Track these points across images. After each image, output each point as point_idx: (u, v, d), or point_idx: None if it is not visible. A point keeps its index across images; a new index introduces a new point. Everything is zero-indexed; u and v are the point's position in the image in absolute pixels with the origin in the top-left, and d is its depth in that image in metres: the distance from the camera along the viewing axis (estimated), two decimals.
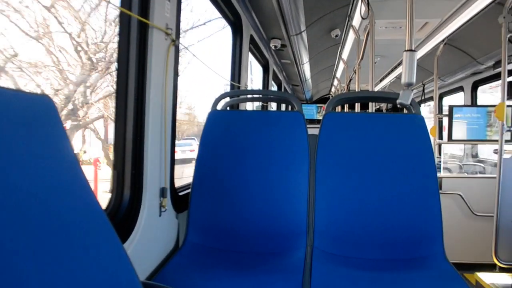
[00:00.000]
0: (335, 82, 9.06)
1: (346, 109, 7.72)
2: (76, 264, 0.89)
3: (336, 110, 2.12)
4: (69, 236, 0.90)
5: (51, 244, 0.83)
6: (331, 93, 11.43)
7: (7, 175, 0.77)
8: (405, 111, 2.10)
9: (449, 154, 6.27)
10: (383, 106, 10.36)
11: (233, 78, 3.53)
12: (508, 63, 2.85)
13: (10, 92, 0.85)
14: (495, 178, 2.84)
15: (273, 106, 7.57)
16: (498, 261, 2.63)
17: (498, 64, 4.36)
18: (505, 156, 2.67)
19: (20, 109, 0.87)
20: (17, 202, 0.78)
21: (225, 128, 2.11)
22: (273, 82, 5.96)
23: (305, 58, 5.65)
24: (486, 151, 5.31)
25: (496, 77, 4.73)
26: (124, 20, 1.65)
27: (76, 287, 0.87)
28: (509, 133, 2.79)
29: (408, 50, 1.88)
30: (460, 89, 5.68)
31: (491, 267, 2.83)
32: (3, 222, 0.72)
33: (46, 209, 0.86)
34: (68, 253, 0.88)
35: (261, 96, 3.79)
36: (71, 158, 0.98)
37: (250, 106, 5.61)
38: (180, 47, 2.01)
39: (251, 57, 4.43)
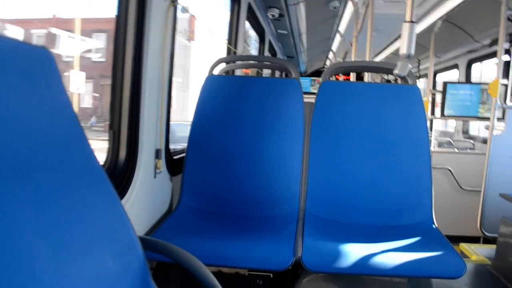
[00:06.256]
0: (330, 56, 9.01)
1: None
2: (74, 216, 0.90)
3: (332, 80, 2.13)
4: (68, 189, 0.91)
5: (49, 197, 0.84)
6: (325, 66, 11.38)
7: (4, 126, 0.77)
8: (399, 83, 2.12)
9: (440, 130, 6.33)
10: (378, 81, 10.36)
11: (229, 45, 3.50)
12: (505, 42, 2.85)
13: (9, 41, 0.84)
14: (483, 154, 2.89)
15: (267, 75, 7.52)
16: (483, 232, 2.71)
17: (494, 42, 4.36)
18: (496, 132, 2.71)
19: (19, 59, 0.85)
20: (14, 155, 0.77)
21: (221, 93, 2.11)
22: (268, 53, 5.90)
23: (301, 29, 5.60)
24: (476, 128, 5.37)
25: (492, 55, 4.73)
26: None
27: (75, 238, 0.89)
28: (501, 110, 2.82)
29: (408, 21, 1.87)
30: (455, 66, 5.69)
31: (475, 240, 2.92)
32: (1, 174, 0.72)
33: (44, 162, 0.86)
34: (66, 205, 0.89)
35: (258, 62, 3.77)
36: (69, 112, 0.98)
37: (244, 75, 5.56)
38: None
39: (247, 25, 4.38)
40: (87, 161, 1.01)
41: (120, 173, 1.60)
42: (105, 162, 1.59)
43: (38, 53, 0.92)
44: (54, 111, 0.94)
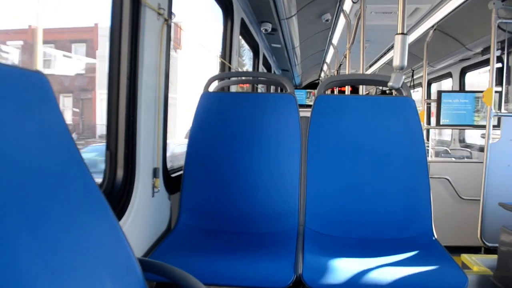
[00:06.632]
0: (325, 68, 9.06)
1: (336, 94, 7.73)
2: (73, 240, 0.90)
3: (326, 94, 2.14)
4: (66, 212, 0.91)
5: (47, 220, 0.83)
6: (320, 78, 11.44)
7: (1, 153, 0.77)
8: (394, 94, 2.12)
9: (437, 139, 6.34)
10: (373, 92, 10.41)
11: (223, 59, 3.52)
12: (497, 49, 2.87)
13: (3, 67, 0.84)
14: (481, 163, 2.89)
15: (263, 90, 7.55)
16: (484, 242, 2.70)
17: (486, 50, 4.40)
18: (492, 140, 2.72)
19: (14, 85, 0.86)
20: (11, 181, 0.77)
21: (217, 110, 2.12)
22: (263, 67, 5.93)
23: (295, 42, 5.64)
24: (473, 136, 5.38)
25: (484, 63, 4.77)
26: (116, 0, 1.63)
27: (74, 263, 0.88)
28: (496, 118, 2.83)
29: (400, 34, 1.88)
30: (449, 75, 5.72)
31: (476, 250, 2.90)
32: None
33: (42, 187, 0.85)
34: (65, 230, 0.88)
35: (253, 78, 3.79)
36: (65, 136, 0.98)
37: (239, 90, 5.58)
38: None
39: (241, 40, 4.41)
40: (84, 184, 1.01)
41: (118, 194, 1.59)
42: (102, 183, 1.59)
43: (32, 77, 0.93)
44: (50, 134, 0.94)
